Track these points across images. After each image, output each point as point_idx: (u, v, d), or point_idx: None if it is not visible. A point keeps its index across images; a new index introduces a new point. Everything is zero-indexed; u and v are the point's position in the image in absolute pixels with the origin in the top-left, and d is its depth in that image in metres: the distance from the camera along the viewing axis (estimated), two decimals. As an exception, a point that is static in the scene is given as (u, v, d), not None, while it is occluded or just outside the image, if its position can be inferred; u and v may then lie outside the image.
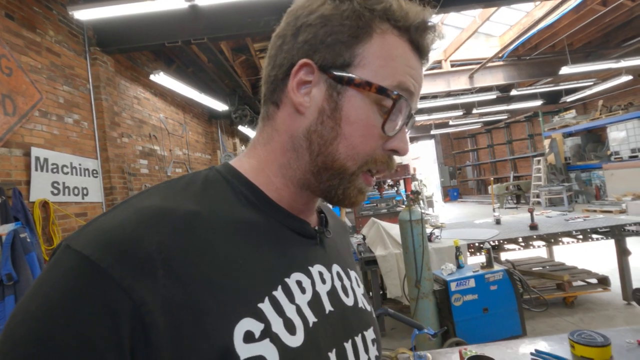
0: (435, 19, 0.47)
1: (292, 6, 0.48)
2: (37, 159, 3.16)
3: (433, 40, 0.46)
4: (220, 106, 6.71)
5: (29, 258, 1.73)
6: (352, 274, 0.56)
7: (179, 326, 0.33)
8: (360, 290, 0.55)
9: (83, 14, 3.34)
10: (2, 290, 1.63)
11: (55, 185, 3.36)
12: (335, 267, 0.52)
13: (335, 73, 0.43)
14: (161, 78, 4.81)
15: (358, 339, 0.48)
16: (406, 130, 0.48)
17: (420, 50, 0.46)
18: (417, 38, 0.45)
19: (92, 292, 0.31)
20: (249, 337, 0.35)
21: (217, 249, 0.38)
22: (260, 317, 0.37)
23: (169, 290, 0.33)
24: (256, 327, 0.36)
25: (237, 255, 0.39)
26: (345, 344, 0.46)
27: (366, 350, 0.49)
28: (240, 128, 8.24)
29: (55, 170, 3.36)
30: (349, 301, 0.50)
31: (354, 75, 0.43)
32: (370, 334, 0.52)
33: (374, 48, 0.43)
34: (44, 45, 3.44)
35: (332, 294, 0.48)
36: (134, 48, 4.37)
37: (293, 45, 0.45)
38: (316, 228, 0.51)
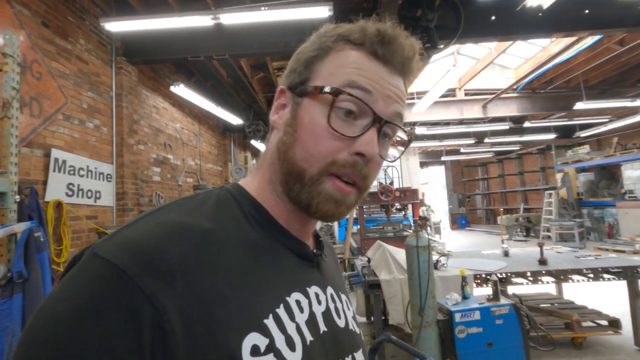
0: (399, 31, 0.48)
1: None
2: (56, 160, 3.26)
3: (393, 48, 0.47)
4: (235, 120, 6.85)
5: (40, 257, 1.76)
6: (343, 296, 0.59)
7: (194, 335, 0.35)
8: (350, 313, 0.57)
9: (114, 26, 3.50)
10: (12, 288, 1.66)
11: (70, 186, 3.44)
12: (330, 290, 0.54)
13: (295, 89, 0.50)
14: (181, 90, 4.97)
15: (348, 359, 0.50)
16: (374, 133, 0.46)
17: (384, 59, 0.47)
18: (374, 47, 0.47)
19: (119, 298, 0.33)
20: (255, 351, 0.37)
21: (229, 265, 0.41)
22: (266, 332, 0.39)
23: (187, 301, 0.35)
24: (262, 341, 0.38)
25: (245, 272, 0.42)
26: None
27: None
28: (253, 142, 8.37)
29: (72, 172, 3.45)
30: (340, 323, 0.53)
31: (305, 86, 0.48)
32: (359, 356, 0.54)
33: (328, 62, 0.48)
34: (74, 52, 3.61)
35: (327, 314, 0.50)
36: (158, 60, 4.54)
37: (282, 78, 0.54)
38: (314, 251, 0.54)
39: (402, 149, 0.56)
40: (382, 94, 0.47)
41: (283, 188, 0.49)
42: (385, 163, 0.52)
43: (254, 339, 0.38)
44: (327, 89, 0.45)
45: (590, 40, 6.08)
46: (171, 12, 3.52)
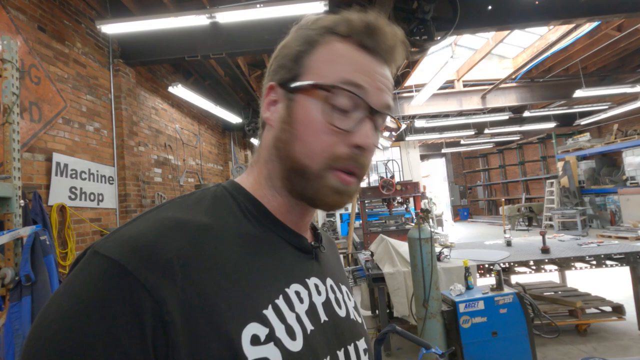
0: (384, 21, 0.49)
1: None
2: (58, 164, 3.27)
3: (381, 40, 0.48)
4: (234, 119, 6.85)
5: (46, 260, 1.78)
6: (344, 287, 0.60)
7: (194, 326, 0.36)
8: (351, 303, 0.58)
9: (110, 28, 3.50)
10: (20, 291, 1.68)
11: (73, 190, 3.46)
12: (329, 281, 0.55)
13: (288, 85, 0.49)
14: (179, 90, 4.96)
15: (350, 348, 0.51)
16: (369, 125, 0.48)
17: (371, 50, 0.48)
18: (363, 40, 0.48)
19: (121, 291, 0.35)
20: (255, 340, 0.39)
21: (226, 258, 0.42)
22: (265, 322, 0.40)
23: (186, 293, 0.37)
24: (262, 331, 0.40)
25: (243, 265, 0.43)
26: (338, 352, 0.49)
27: (358, 359, 0.52)
28: (253, 140, 8.37)
29: (74, 175, 3.47)
30: (341, 312, 0.54)
31: (298, 82, 0.48)
32: (362, 344, 0.55)
33: (318, 56, 0.48)
34: (71, 56, 3.61)
35: (327, 305, 0.51)
36: (155, 61, 4.54)
37: (268, 75, 0.53)
38: (312, 243, 0.55)
39: (393, 134, 0.58)
40: (374, 86, 0.48)
41: (284, 184, 0.50)
42: (385, 157, 0.53)
43: (254, 328, 0.39)
44: (321, 85, 0.46)
45: (588, 27, 6.04)
46: (167, 12, 3.51)
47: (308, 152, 0.47)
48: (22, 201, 1.83)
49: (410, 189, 6.06)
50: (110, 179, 4.03)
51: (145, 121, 4.95)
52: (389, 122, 0.53)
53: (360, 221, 6.58)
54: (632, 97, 8.65)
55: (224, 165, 8.16)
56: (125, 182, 4.17)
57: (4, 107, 1.83)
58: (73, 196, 3.45)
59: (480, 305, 2.68)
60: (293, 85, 0.48)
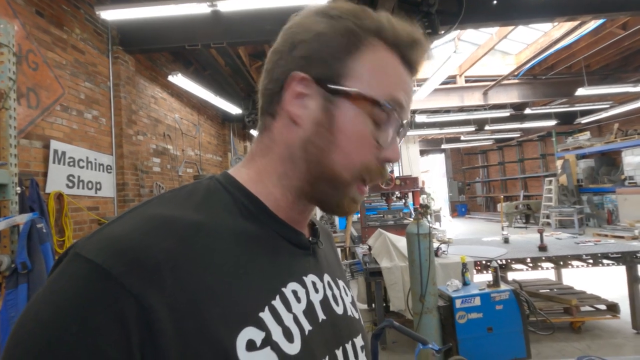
0: (424, 36, 0.49)
1: (288, 24, 0.49)
2: (56, 151, 3.25)
3: (422, 56, 0.49)
4: (234, 109, 6.81)
5: (43, 248, 1.77)
6: (341, 283, 0.58)
7: (185, 333, 0.34)
8: (348, 299, 0.57)
9: (109, 14, 3.44)
10: (16, 279, 1.67)
11: (71, 178, 3.44)
12: (326, 277, 0.54)
13: (330, 86, 0.45)
14: (179, 79, 4.92)
15: (348, 346, 0.50)
16: (397, 140, 0.50)
17: (410, 65, 0.49)
18: (407, 53, 0.47)
19: (104, 299, 0.32)
20: (251, 346, 0.37)
21: (220, 258, 0.39)
22: (261, 326, 0.39)
23: (176, 298, 0.34)
24: (258, 335, 0.38)
25: (238, 264, 0.40)
26: (336, 351, 0.47)
27: (356, 357, 0.51)
28: (253, 132, 8.33)
29: (71, 163, 3.44)
30: (339, 310, 0.52)
31: (348, 88, 0.44)
32: (359, 341, 0.54)
33: (366, 62, 0.45)
34: (69, 42, 3.56)
35: (324, 302, 0.50)
36: (155, 49, 4.48)
37: (289, 60, 0.46)
38: (310, 239, 0.53)
39: None
40: (408, 105, 0.49)
41: (303, 186, 0.48)
42: None
43: (249, 333, 0.37)
44: (374, 100, 0.44)
45: (593, 24, 5.99)
46: (167, -1, 3.45)
47: (347, 164, 0.46)
48: (18, 188, 1.81)
49: (410, 184, 6.05)
50: (109, 167, 4.01)
51: (144, 110, 4.91)
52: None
53: (359, 215, 6.59)
54: (634, 97, 8.61)
55: (223, 156, 8.13)
56: (124, 171, 4.14)
57: (0, 93, 1.80)
58: (71, 184, 3.43)
59: (477, 301, 2.69)
60: (337, 87, 0.45)
